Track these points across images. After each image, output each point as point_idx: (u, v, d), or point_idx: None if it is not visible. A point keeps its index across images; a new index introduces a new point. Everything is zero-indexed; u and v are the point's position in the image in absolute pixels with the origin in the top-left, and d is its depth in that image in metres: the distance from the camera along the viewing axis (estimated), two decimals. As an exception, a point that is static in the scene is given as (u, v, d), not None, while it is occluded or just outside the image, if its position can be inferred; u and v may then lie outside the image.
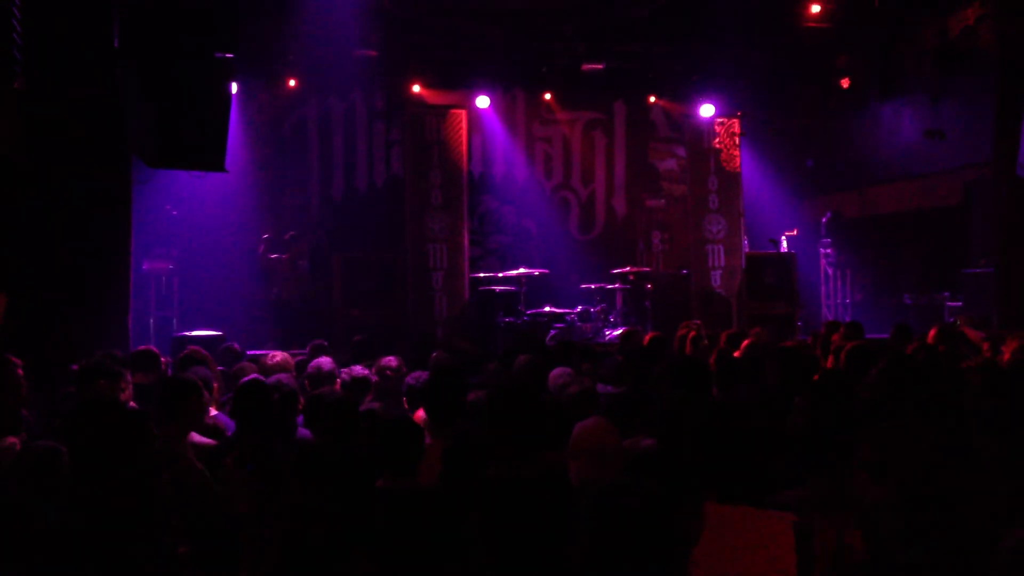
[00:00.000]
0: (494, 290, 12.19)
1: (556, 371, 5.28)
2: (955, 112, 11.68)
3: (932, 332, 6.85)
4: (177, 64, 7.75)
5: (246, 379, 4.52)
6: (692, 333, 7.84)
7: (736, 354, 6.39)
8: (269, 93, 13.24)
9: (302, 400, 4.67)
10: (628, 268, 12.81)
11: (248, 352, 8.12)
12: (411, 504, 2.73)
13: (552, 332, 11.64)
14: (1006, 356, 5.81)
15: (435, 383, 4.43)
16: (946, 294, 12.02)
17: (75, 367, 5.34)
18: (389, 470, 3.34)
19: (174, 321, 11.63)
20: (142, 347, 6.38)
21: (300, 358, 6.65)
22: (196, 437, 4.39)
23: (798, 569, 2.73)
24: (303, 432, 4.42)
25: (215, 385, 5.48)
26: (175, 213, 11.80)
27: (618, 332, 11.40)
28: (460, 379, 4.51)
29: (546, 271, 12.73)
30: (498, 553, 2.59)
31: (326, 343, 7.60)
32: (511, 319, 11.74)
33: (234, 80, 10.59)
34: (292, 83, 13.13)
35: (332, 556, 2.68)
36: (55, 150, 7.53)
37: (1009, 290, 10.09)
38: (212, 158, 8.08)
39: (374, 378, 5.51)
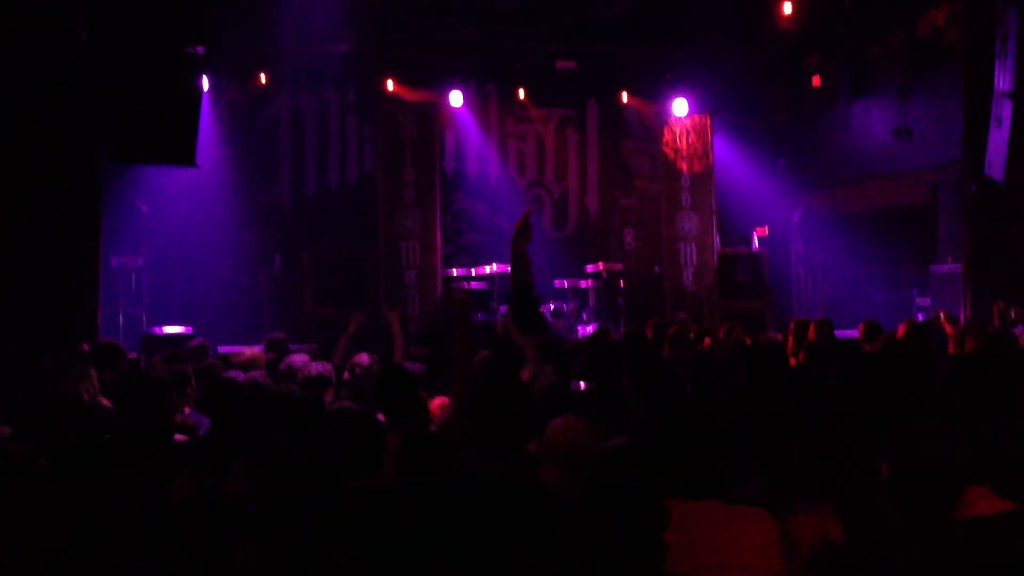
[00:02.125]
0: (462, 288, 12.18)
1: (526, 369, 5.30)
2: (924, 112, 11.82)
3: (901, 328, 6.92)
4: (146, 58, 7.69)
5: (220, 377, 4.50)
6: (673, 329, 7.87)
7: (704, 349, 6.43)
8: (241, 89, 13.15)
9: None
10: (601, 265, 12.85)
11: (219, 349, 8.08)
12: (371, 502, 2.72)
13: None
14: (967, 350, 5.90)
15: (385, 380, 4.46)
16: (915, 291, 12.16)
17: (44, 363, 5.29)
18: (350, 468, 3.33)
19: (144, 317, 11.52)
20: (106, 341, 6.32)
21: (271, 356, 6.62)
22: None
23: (782, 560, 2.73)
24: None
25: (192, 382, 5.44)
26: (146, 210, 11.71)
27: (591, 328, 11.43)
28: (409, 375, 4.53)
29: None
30: (465, 553, 2.59)
31: (283, 336, 7.55)
32: (484, 316, 11.74)
33: (205, 76, 10.54)
34: (264, 79, 13.04)
35: (297, 556, 2.67)
36: (23, 145, 7.45)
37: (976, 287, 10.22)
38: (181, 152, 8.02)
39: (345, 375, 5.50)
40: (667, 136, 13.19)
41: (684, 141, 13.09)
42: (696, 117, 13.24)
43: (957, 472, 2.63)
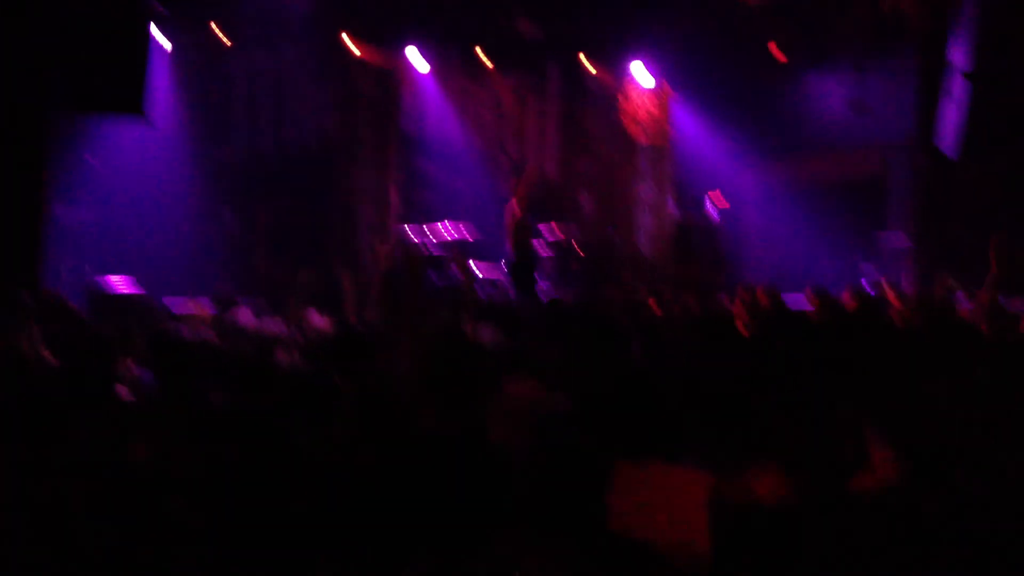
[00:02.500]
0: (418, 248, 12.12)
1: (482, 328, 5.30)
2: (880, 86, 11.93)
3: (845, 294, 7.09)
4: (94, 5, 7.49)
5: (163, 332, 4.45)
6: (623, 296, 7.94)
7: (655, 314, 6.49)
8: (197, 45, 12.85)
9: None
10: (555, 227, 12.84)
11: (164, 301, 7.97)
12: (323, 457, 2.73)
13: (480, 294, 11.63)
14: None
15: (340, 337, 4.46)
16: (860, 259, 12.37)
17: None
18: (303, 427, 3.33)
19: (88, 269, 11.30)
20: (49, 292, 6.20)
21: (215, 310, 6.54)
22: (120, 391, 4.31)
23: (709, 524, 2.79)
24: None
25: (137, 337, 5.37)
26: (95, 163, 11.46)
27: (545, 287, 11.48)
28: (364, 334, 4.53)
29: (476, 232, 12.71)
30: (415, 508, 2.61)
31: (229, 288, 7.47)
32: (438, 278, 11.71)
33: (166, 37, 10.31)
34: (220, 35, 12.75)
35: (248, 510, 2.66)
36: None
37: (921, 258, 10.42)
38: (128, 100, 7.85)
39: (297, 334, 5.47)
40: (626, 103, 13.18)
41: (643, 108, 13.09)
42: (655, 83, 13.23)
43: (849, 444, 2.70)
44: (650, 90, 13.15)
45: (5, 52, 7.36)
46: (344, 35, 12.94)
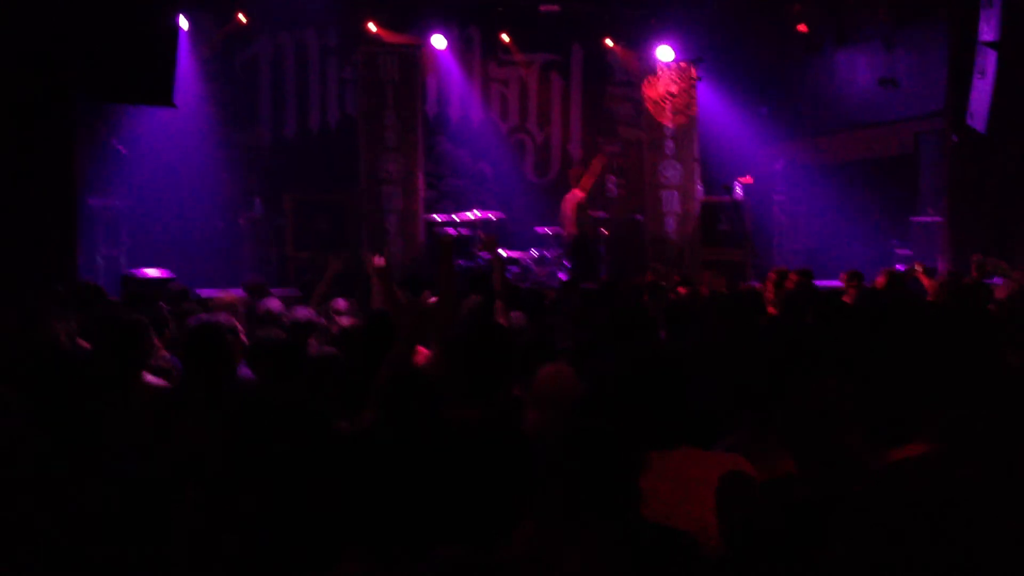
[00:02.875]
0: (449, 232, 12.15)
1: (512, 314, 5.30)
2: (909, 62, 11.76)
3: (879, 279, 6.98)
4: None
5: (197, 320, 4.47)
6: (650, 279, 7.91)
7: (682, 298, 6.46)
8: (220, 29, 12.90)
9: (245, 342, 4.63)
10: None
11: (198, 291, 8.04)
12: (350, 445, 2.74)
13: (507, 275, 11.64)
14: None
15: (370, 325, 4.48)
16: (895, 241, 12.22)
17: (21, 305, 5.25)
18: (333, 412, 3.34)
19: (122, 259, 11.44)
20: (85, 282, 6.27)
21: (249, 300, 6.59)
22: (149, 378, 4.35)
23: (719, 514, 2.76)
24: (245, 373, 4.40)
25: (169, 325, 5.43)
26: (124, 150, 11.55)
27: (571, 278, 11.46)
28: (390, 322, 4.54)
29: (501, 214, 12.71)
30: (443, 496, 2.62)
31: (262, 280, 7.52)
32: (466, 262, 11.73)
33: (184, 15, 10.36)
34: (243, 19, 12.80)
35: (275, 498, 2.69)
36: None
37: (956, 238, 10.28)
38: (158, 91, 7.90)
39: (323, 321, 5.49)
40: (650, 83, 13.09)
41: (667, 89, 12.99)
42: (680, 65, 13.13)
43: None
44: (675, 69, 13.04)
45: (34, 43, 7.41)
46: (367, 18, 12.93)
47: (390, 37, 13.07)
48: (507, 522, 2.59)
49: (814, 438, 2.75)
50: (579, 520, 2.42)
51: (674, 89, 12.94)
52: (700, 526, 2.72)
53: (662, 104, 12.95)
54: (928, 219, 11.43)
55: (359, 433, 3.21)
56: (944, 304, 5.64)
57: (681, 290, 7.27)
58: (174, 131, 11.75)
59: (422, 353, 4.63)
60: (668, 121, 12.96)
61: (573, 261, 11.96)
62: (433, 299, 5.59)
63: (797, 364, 3.57)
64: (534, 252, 12.44)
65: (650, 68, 13.15)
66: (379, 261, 4.97)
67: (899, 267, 10.50)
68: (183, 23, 10.91)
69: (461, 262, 11.69)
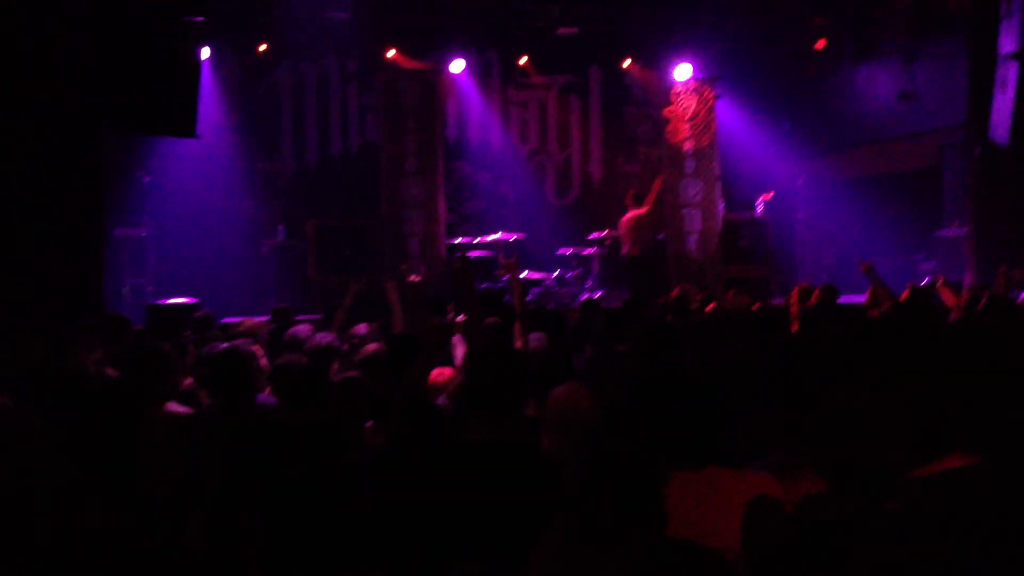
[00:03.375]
0: (470, 256, 12.18)
1: (531, 335, 5.29)
2: (929, 75, 11.71)
3: (905, 293, 6.91)
4: (145, 28, 7.64)
5: (218, 347, 4.51)
6: (675, 296, 7.88)
7: (706, 316, 6.43)
8: (241, 58, 13.06)
9: (266, 368, 4.66)
10: (605, 232, 12.82)
11: (223, 319, 8.09)
12: (369, 467, 2.74)
13: (528, 297, 11.66)
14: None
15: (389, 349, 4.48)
16: (920, 256, 12.13)
17: (50, 335, 5.30)
18: (355, 435, 3.35)
19: (149, 289, 11.55)
20: (112, 313, 6.33)
21: (275, 326, 6.63)
22: (174, 406, 4.38)
23: (744, 541, 2.72)
24: (264, 399, 4.42)
25: (190, 352, 5.46)
26: (148, 180, 11.69)
27: (597, 296, 11.45)
28: (414, 346, 4.54)
29: (522, 236, 12.73)
30: (464, 518, 2.61)
31: (288, 306, 7.56)
32: (488, 284, 11.75)
33: (205, 45, 10.49)
34: (263, 47, 12.96)
35: (296, 518, 2.69)
36: (23, 117, 7.43)
37: (981, 251, 10.19)
38: (182, 123, 8.00)
39: (344, 346, 5.50)
40: (670, 102, 13.11)
41: (687, 107, 13.00)
42: (699, 82, 13.14)
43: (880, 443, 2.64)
44: (694, 87, 13.05)
45: (61, 77, 7.53)
46: (387, 44, 13.05)
47: (409, 62, 13.18)
48: (525, 544, 2.58)
49: (848, 456, 2.69)
50: (601, 542, 2.40)
51: (694, 106, 12.94)
52: (728, 547, 2.69)
53: (682, 120, 12.96)
54: (953, 232, 11.33)
55: (378, 455, 3.21)
56: (972, 317, 5.59)
57: (709, 307, 7.24)
58: (197, 159, 11.87)
59: (445, 374, 4.63)
60: (689, 138, 12.96)
61: (632, 280, 12.06)
62: (459, 317, 5.60)
63: (824, 380, 3.54)
64: (556, 273, 12.44)
65: (669, 87, 13.17)
66: (415, 278, 5.01)
67: (926, 280, 10.42)
68: (205, 52, 11.05)
69: (486, 285, 11.70)
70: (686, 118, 12.99)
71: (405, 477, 2.54)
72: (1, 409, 3.76)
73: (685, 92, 13.06)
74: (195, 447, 3.58)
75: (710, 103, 13.03)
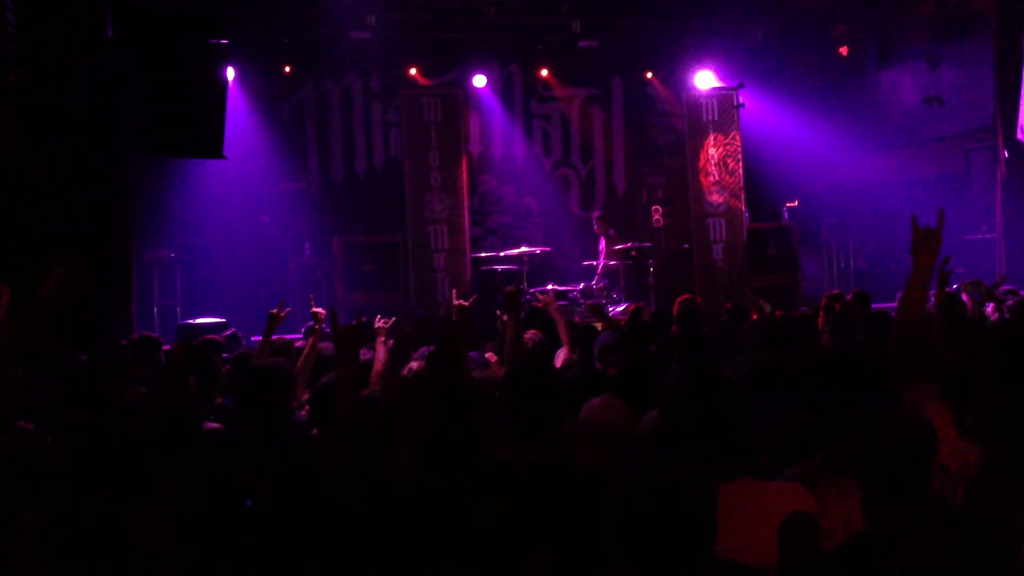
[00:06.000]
0: (496, 269, 12.18)
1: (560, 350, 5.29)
2: (954, 78, 11.63)
3: (931, 300, 6.83)
4: (171, 51, 7.73)
5: (250, 365, 4.53)
6: (699, 305, 7.83)
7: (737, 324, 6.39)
8: (265, 78, 13.18)
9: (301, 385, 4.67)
10: (630, 244, 12.79)
11: (252, 338, 8.14)
12: (403, 493, 2.72)
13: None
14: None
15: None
16: (951, 264, 11.98)
17: (82, 358, 5.35)
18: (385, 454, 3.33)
19: (178, 309, 11.64)
20: (144, 335, 6.37)
21: (301, 343, 6.65)
22: (208, 424, 4.40)
23: (780, 560, 2.67)
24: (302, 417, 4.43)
25: (223, 371, 5.49)
26: (174, 203, 11.80)
27: (620, 308, 11.40)
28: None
29: (548, 249, 12.72)
30: (501, 540, 2.59)
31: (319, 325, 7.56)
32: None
33: (230, 66, 10.60)
34: (287, 68, 13.07)
35: (324, 535, 2.69)
36: (52, 141, 7.52)
37: (1012, 254, 10.08)
38: (208, 145, 8.07)
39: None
40: (692, 111, 13.09)
41: (710, 115, 12.98)
42: (721, 91, 13.11)
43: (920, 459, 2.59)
44: (717, 96, 13.02)
45: (87, 99, 7.62)
46: (409, 62, 13.12)
47: (431, 78, 13.26)
48: (572, 568, 2.54)
49: (893, 473, 2.62)
50: (652, 566, 2.31)
51: (717, 115, 12.90)
52: (763, 561, 2.66)
53: (705, 129, 12.92)
54: (982, 236, 11.22)
55: (413, 478, 3.18)
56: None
57: (732, 316, 7.19)
58: (223, 180, 11.96)
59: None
60: (711, 145, 12.93)
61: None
62: (493, 356, 5.59)
63: (859, 389, 3.48)
64: (581, 285, 12.42)
65: (691, 97, 13.14)
66: (461, 302, 4.98)
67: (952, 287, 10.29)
68: (230, 74, 11.15)
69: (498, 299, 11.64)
70: (709, 127, 12.96)
71: (437, 499, 2.51)
72: (19, 434, 3.80)
73: (708, 101, 13.03)
74: (233, 463, 3.59)
75: (733, 111, 12.99)
